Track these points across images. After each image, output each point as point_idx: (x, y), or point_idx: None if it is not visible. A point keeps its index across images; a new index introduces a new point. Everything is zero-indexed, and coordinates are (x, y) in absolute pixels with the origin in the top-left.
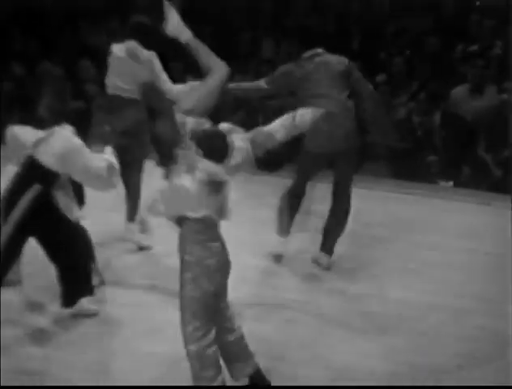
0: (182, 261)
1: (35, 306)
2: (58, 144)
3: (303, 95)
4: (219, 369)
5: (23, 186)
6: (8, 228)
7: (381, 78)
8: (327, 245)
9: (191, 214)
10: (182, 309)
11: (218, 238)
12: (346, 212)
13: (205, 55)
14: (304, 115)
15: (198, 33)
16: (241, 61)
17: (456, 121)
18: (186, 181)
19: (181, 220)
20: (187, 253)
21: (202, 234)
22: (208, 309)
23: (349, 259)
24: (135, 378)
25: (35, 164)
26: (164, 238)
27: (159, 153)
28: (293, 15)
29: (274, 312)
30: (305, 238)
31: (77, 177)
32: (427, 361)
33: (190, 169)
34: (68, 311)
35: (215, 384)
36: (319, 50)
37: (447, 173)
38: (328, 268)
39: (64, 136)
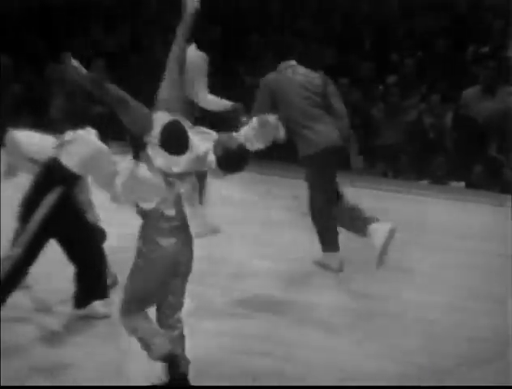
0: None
1: (44, 308)
2: (84, 147)
3: (283, 103)
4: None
5: (45, 188)
6: (31, 229)
7: (392, 79)
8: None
9: (143, 204)
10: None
11: (171, 233)
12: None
13: (184, 31)
14: (268, 120)
15: (209, 35)
16: (251, 64)
17: (467, 122)
18: (141, 171)
19: (141, 212)
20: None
21: (154, 227)
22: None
23: (359, 260)
24: (143, 378)
25: (57, 166)
26: None
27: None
28: (303, 17)
29: (283, 313)
30: (313, 239)
31: (98, 182)
32: (428, 362)
33: (147, 159)
34: (79, 313)
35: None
36: (292, 62)
37: (458, 174)
38: (340, 270)
39: (90, 140)
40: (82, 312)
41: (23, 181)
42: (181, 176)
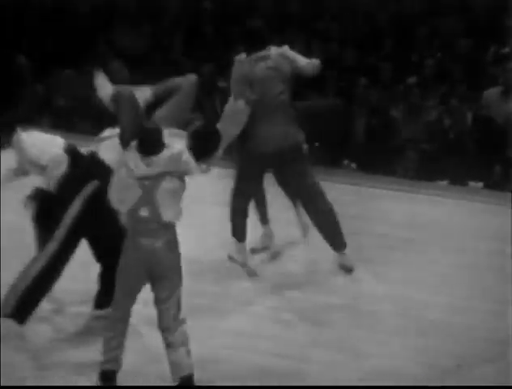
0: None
1: (59, 307)
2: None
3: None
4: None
5: (82, 181)
6: (66, 224)
7: (412, 80)
8: (336, 245)
9: (121, 206)
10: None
11: (149, 235)
12: (331, 209)
13: (168, 86)
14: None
15: (224, 34)
16: None
17: (487, 123)
18: (122, 174)
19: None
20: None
21: (133, 228)
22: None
23: (376, 260)
24: (159, 379)
25: (95, 160)
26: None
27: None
28: (324, 16)
29: (302, 314)
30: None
31: None
32: (428, 361)
33: (124, 162)
34: (98, 313)
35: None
36: (267, 52)
37: (478, 175)
38: (351, 270)
39: None
40: (101, 313)
41: (24, 182)
42: (157, 177)
